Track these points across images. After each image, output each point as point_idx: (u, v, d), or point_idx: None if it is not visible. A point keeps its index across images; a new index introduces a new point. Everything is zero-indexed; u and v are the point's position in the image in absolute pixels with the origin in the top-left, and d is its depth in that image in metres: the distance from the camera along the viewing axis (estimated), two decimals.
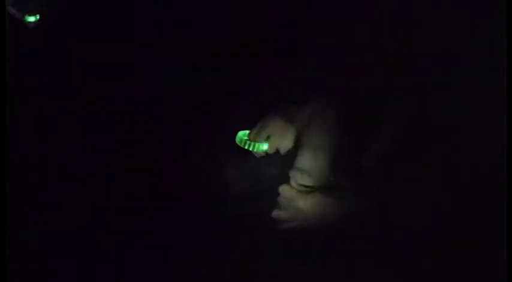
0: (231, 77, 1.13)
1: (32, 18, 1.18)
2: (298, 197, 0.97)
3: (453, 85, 0.91)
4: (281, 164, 1.04)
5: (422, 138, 0.93)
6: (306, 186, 0.98)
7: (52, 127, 1.14)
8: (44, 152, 1.10)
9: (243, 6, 1.15)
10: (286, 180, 1.00)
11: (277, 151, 1.04)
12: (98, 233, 1.02)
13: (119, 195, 1.07)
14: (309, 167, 0.99)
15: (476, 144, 0.88)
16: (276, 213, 0.98)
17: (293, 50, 1.09)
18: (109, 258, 0.99)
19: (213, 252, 1.00)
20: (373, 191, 0.93)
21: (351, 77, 1.01)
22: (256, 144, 1.02)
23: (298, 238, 0.97)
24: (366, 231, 0.92)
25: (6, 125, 0.99)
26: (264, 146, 1.03)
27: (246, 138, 1.04)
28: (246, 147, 1.03)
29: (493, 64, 0.88)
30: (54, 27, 1.19)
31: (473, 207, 0.87)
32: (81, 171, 1.10)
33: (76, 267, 0.97)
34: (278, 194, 0.99)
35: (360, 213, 0.93)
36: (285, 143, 1.03)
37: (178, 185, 1.08)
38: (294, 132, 1.03)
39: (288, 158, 1.03)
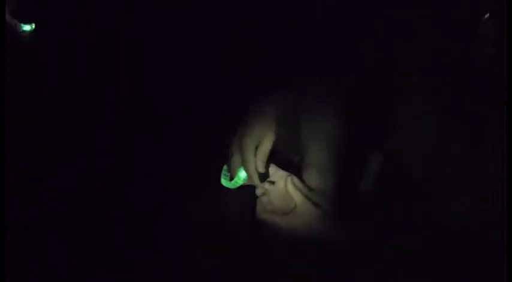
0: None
1: (27, 27, 1.16)
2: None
3: None
4: None
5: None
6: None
7: (55, 127, 1.14)
8: (49, 152, 1.10)
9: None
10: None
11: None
12: (97, 234, 1.02)
13: (119, 195, 1.07)
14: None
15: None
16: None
17: None
18: (109, 259, 0.99)
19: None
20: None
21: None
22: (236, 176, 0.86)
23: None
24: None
25: (5, 125, 0.99)
26: (241, 173, 0.87)
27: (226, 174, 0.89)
28: (231, 186, 0.89)
29: None
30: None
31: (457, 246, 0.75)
32: (82, 171, 1.10)
33: (76, 267, 0.97)
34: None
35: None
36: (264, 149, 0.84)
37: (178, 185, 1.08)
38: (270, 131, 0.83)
39: None
